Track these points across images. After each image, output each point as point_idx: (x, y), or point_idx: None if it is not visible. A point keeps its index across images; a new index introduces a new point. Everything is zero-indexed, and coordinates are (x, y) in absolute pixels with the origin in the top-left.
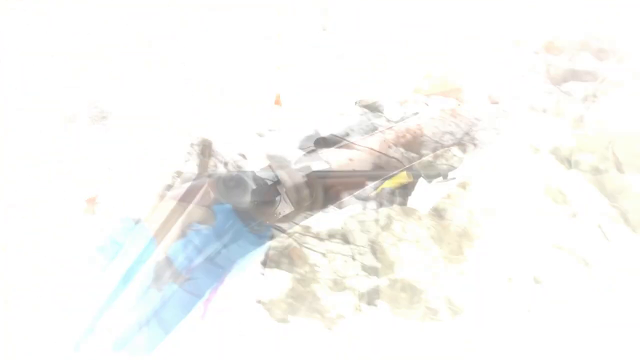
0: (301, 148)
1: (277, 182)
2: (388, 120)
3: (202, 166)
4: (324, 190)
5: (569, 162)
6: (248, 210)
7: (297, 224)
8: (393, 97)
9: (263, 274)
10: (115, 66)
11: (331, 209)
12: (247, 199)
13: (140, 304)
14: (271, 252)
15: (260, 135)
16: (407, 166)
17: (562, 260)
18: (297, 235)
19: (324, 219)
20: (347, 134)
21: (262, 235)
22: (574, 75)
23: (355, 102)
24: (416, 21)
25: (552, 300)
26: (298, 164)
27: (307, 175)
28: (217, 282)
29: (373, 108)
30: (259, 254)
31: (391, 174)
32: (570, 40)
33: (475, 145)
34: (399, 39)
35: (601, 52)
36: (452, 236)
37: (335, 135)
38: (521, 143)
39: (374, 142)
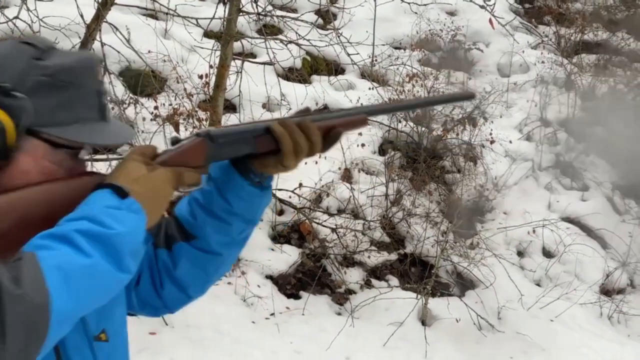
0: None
1: (270, 133)
2: (398, 95)
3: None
4: (322, 133)
5: (580, 135)
6: (247, 162)
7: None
8: (402, 71)
9: (272, 249)
10: None
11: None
12: (242, 153)
13: (153, 266)
14: (280, 227)
15: (270, 110)
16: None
17: (574, 233)
18: (306, 210)
19: (334, 194)
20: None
21: (264, 186)
22: (584, 47)
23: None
24: None
25: (563, 273)
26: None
27: (301, 122)
28: (226, 237)
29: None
30: (265, 205)
31: (391, 106)
32: (580, 11)
33: (485, 118)
34: (409, 11)
35: (612, 24)
36: (463, 211)
37: (344, 109)
38: (531, 116)
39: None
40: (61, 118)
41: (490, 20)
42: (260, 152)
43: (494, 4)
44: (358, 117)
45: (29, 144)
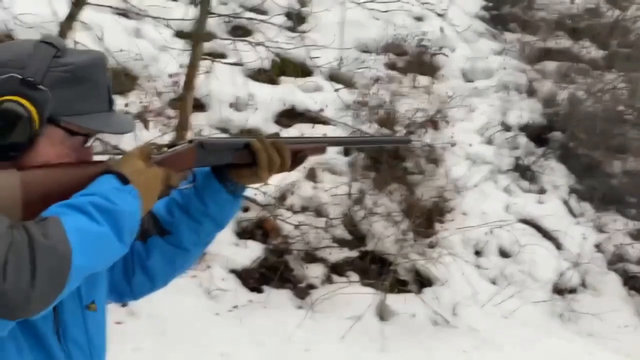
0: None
1: (250, 147)
2: (362, 97)
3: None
4: (291, 154)
5: (539, 140)
6: (225, 172)
7: (267, 184)
8: (368, 74)
9: (237, 244)
10: None
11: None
12: (224, 162)
13: (127, 255)
14: (245, 224)
15: (238, 110)
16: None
17: (529, 234)
18: (271, 207)
19: (298, 192)
20: (322, 110)
21: (237, 195)
22: (547, 54)
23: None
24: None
25: (518, 272)
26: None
27: (275, 141)
28: (196, 236)
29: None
30: (235, 212)
31: (347, 139)
32: (545, 19)
33: (447, 122)
34: (376, 17)
35: (575, 32)
36: (422, 210)
37: (311, 111)
38: (493, 120)
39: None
40: (78, 109)
41: (441, 29)
42: (239, 163)
43: (444, 14)
44: (320, 145)
45: (50, 130)
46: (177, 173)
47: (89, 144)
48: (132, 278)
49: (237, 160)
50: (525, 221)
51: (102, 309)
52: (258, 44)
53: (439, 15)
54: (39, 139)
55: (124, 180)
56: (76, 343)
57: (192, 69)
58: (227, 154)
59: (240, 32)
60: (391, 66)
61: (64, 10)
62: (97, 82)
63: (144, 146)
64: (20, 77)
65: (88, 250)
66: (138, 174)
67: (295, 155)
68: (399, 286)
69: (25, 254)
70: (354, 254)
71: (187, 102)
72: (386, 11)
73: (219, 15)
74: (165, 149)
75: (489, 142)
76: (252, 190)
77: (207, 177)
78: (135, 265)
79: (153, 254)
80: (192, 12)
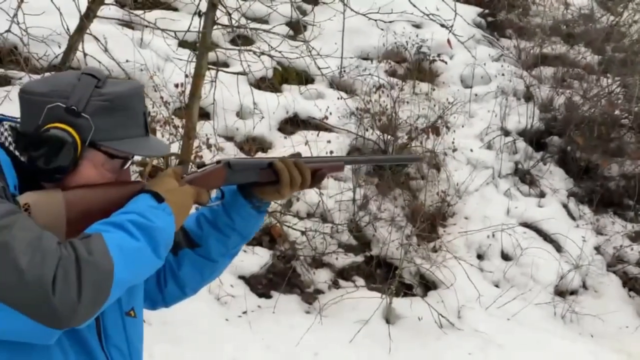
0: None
1: (273, 167)
2: (365, 104)
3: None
4: (311, 172)
5: (538, 144)
6: (250, 189)
7: (289, 199)
8: (369, 81)
9: (245, 251)
10: None
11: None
12: (250, 180)
13: (160, 267)
14: None
15: (243, 118)
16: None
17: (530, 237)
18: (277, 214)
19: (304, 199)
20: (326, 117)
21: (261, 210)
22: (544, 60)
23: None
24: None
25: (520, 274)
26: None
27: (297, 161)
28: (223, 248)
29: (350, 92)
30: (259, 226)
31: (362, 159)
32: (540, 25)
33: (448, 128)
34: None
35: (570, 38)
36: (426, 215)
37: (314, 118)
38: (492, 125)
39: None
40: (116, 134)
41: (448, 41)
42: (262, 181)
43: (452, 26)
44: (338, 164)
45: (91, 154)
46: (207, 191)
47: (127, 165)
48: (165, 287)
49: (262, 178)
50: (526, 224)
51: (140, 316)
52: (262, 53)
53: (444, 26)
54: (82, 162)
55: (159, 199)
56: (117, 347)
57: (197, 79)
58: (252, 173)
59: (241, 41)
60: (391, 73)
61: (74, 22)
62: (134, 110)
63: (177, 167)
64: (65, 106)
65: (128, 264)
66: (171, 193)
67: (314, 173)
68: (405, 290)
69: (72, 269)
70: (360, 259)
71: (193, 111)
72: (391, 22)
73: (225, 26)
74: (190, 165)
75: (489, 147)
76: None
77: (234, 194)
78: (167, 276)
79: (184, 265)
80: (197, 22)
